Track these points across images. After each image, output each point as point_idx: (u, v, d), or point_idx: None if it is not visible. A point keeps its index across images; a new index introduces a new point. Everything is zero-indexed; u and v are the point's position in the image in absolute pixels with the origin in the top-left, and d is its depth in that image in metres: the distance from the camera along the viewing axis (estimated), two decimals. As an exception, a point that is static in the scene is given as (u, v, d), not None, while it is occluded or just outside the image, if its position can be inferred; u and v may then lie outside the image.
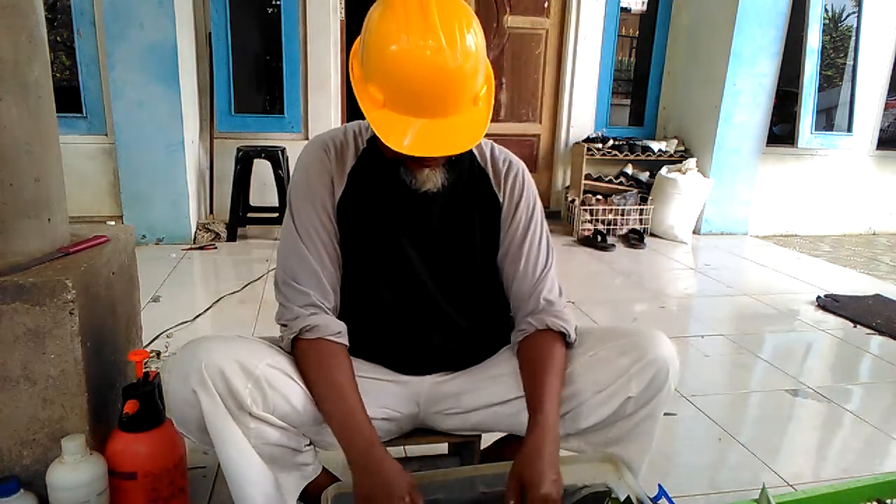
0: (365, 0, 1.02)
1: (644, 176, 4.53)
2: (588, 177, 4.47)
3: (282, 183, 3.75)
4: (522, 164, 1.22)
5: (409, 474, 0.96)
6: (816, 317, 2.91)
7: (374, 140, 1.12)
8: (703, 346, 2.48)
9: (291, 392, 1.03)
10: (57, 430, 1.19)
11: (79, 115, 3.74)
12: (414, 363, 1.19)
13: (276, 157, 3.72)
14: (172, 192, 3.62)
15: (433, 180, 1.06)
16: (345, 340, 1.09)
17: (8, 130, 1.15)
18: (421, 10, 0.89)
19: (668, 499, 1.11)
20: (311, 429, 1.07)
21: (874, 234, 5.09)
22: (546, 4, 4.49)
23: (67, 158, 1.40)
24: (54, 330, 1.15)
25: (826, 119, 4.81)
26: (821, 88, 4.47)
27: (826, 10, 4.49)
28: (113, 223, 3.65)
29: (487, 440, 1.34)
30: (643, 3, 4.80)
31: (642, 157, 4.45)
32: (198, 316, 2.55)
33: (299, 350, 1.06)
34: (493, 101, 1.02)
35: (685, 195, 4.25)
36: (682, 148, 4.55)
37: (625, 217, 4.31)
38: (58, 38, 3.78)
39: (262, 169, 3.81)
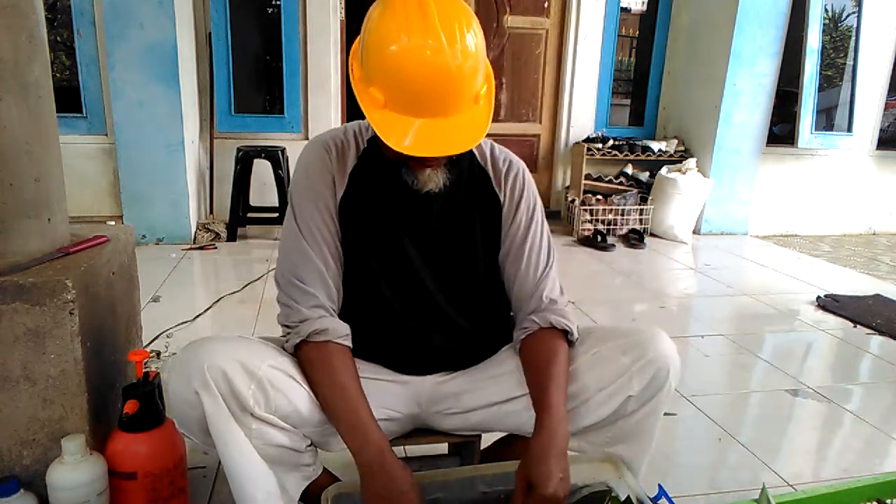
0: (365, 0, 1.02)
1: (644, 176, 4.53)
2: (588, 177, 4.47)
3: (282, 183, 3.75)
4: (522, 164, 1.22)
5: (413, 476, 0.96)
6: (816, 317, 2.91)
7: (374, 140, 1.12)
8: (703, 346, 2.48)
9: (294, 393, 1.03)
10: (57, 430, 1.19)
11: (79, 115, 3.74)
12: (415, 363, 1.19)
13: (276, 157, 3.72)
14: (172, 192, 3.62)
15: (435, 180, 1.06)
16: (350, 343, 1.09)
17: (8, 130, 1.15)
18: (420, 9, 0.89)
19: (668, 499, 1.10)
20: (313, 430, 1.07)
21: (874, 234, 5.09)
22: (546, 4, 4.49)
23: (67, 158, 1.40)
24: (54, 330, 1.15)
25: (826, 119, 4.81)
26: (821, 88, 4.47)
27: (826, 10, 4.49)
28: (113, 223, 3.65)
29: (487, 440, 1.34)
30: (643, 3, 4.80)
31: (642, 157, 4.45)
32: (198, 316, 2.55)
33: (305, 353, 1.06)
34: (493, 101, 1.02)
35: (685, 195, 4.25)
36: (682, 148, 4.55)
37: (625, 217, 4.31)
38: (58, 38, 3.78)
39: (262, 169, 3.81)
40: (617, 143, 4.44)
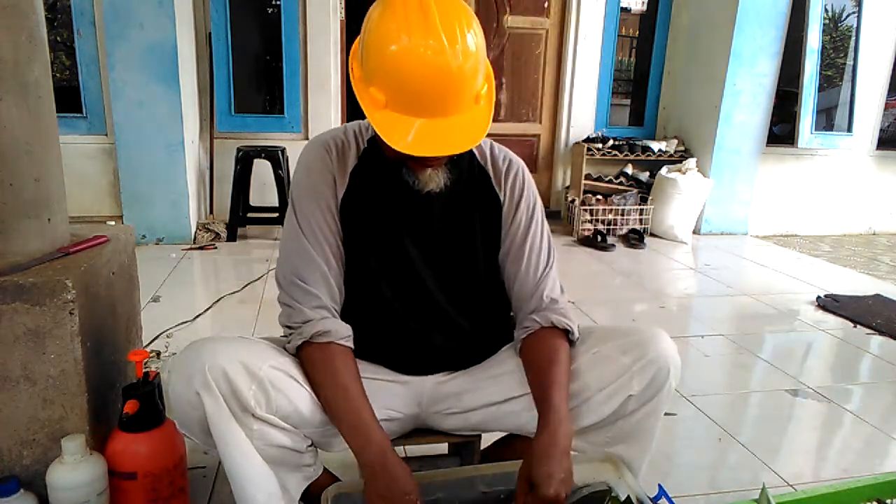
0: (365, 0, 1.02)
1: (644, 176, 4.53)
2: (588, 177, 4.47)
3: (282, 183, 3.75)
4: (522, 163, 1.22)
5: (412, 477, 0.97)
6: (816, 317, 2.91)
7: (375, 140, 1.12)
8: (703, 346, 2.48)
9: (295, 394, 1.03)
10: (57, 430, 1.19)
11: (79, 115, 3.74)
12: (416, 363, 1.19)
13: (276, 157, 3.72)
14: (172, 192, 3.62)
15: (436, 180, 1.06)
16: (352, 344, 1.08)
17: (8, 130, 1.15)
18: (421, 9, 0.89)
19: (668, 499, 1.10)
20: (314, 430, 1.07)
21: (874, 234, 5.09)
22: (546, 4, 4.49)
23: (67, 158, 1.40)
24: (54, 330, 1.15)
25: (826, 119, 4.81)
26: (821, 88, 4.47)
27: (826, 10, 4.49)
28: (113, 223, 3.65)
29: (487, 440, 1.34)
30: (643, 3, 4.80)
31: (642, 157, 4.45)
32: (198, 316, 2.55)
33: (307, 354, 1.05)
34: (494, 100, 1.02)
35: (685, 195, 4.25)
36: (682, 148, 4.55)
37: (625, 217, 4.31)
38: (58, 38, 3.78)
39: (262, 169, 3.81)
40: (617, 143, 4.45)
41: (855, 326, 2.78)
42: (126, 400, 1.18)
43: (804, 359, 2.50)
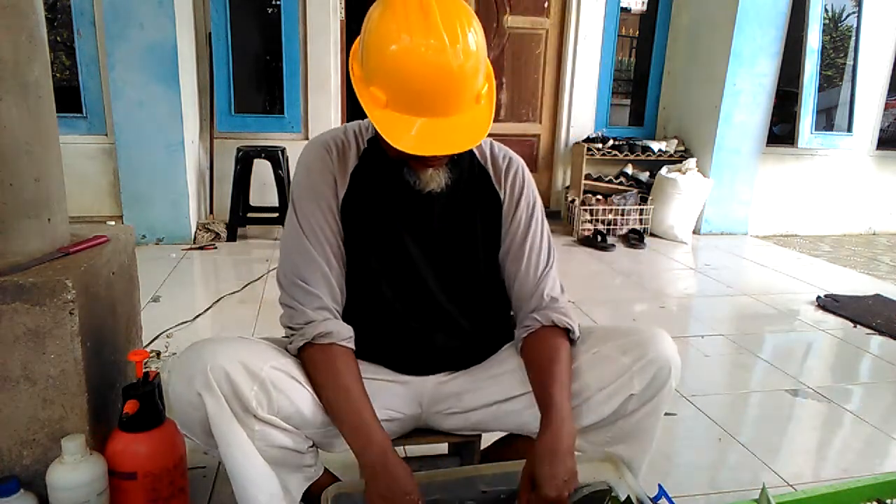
0: (365, 0, 1.02)
1: (644, 176, 4.53)
2: (588, 177, 4.47)
3: (282, 183, 3.75)
4: (521, 161, 1.22)
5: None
6: (816, 317, 2.91)
7: (375, 140, 1.12)
8: (703, 346, 2.48)
9: (296, 394, 1.03)
10: (57, 430, 1.19)
11: (79, 115, 3.74)
12: (417, 364, 1.19)
13: (276, 157, 3.72)
14: (172, 192, 3.62)
15: (437, 180, 1.06)
16: (353, 345, 1.08)
17: (8, 130, 1.15)
18: (421, 9, 0.89)
19: (668, 499, 1.10)
20: (315, 431, 1.07)
21: (874, 234, 5.09)
22: (546, 4, 4.49)
23: (67, 158, 1.40)
24: (54, 330, 1.15)
25: (826, 119, 4.81)
26: (821, 88, 4.47)
27: (826, 10, 4.49)
28: (113, 223, 3.65)
29: (487, 440, 1.34)
30: (643, 3, 4.80)
31: (642, 157, 4.45)
32: (198, 316, 2.55)
33: (309, 355, 1.05)
34: (494, 100, 1.02)
35: (685, 195, 4.25)
36: (682, 148, 4.55)
37: (625, 217, 4.31)
38: (58, 38, 3.78)
39: (262, 169, 3.81)
40: (617, 143, 4.45)
41: (855, 326, 2.78)
42: (126, 400, 1.18)
43: (804, 359, 2.50)
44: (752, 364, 2.36)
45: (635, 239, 4.20)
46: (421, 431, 1.25)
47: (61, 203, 1.30)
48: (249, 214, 3.91)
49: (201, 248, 3.63)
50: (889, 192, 5.04)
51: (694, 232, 4.49)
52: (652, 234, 4.39)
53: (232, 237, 3.80)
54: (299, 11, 3.96)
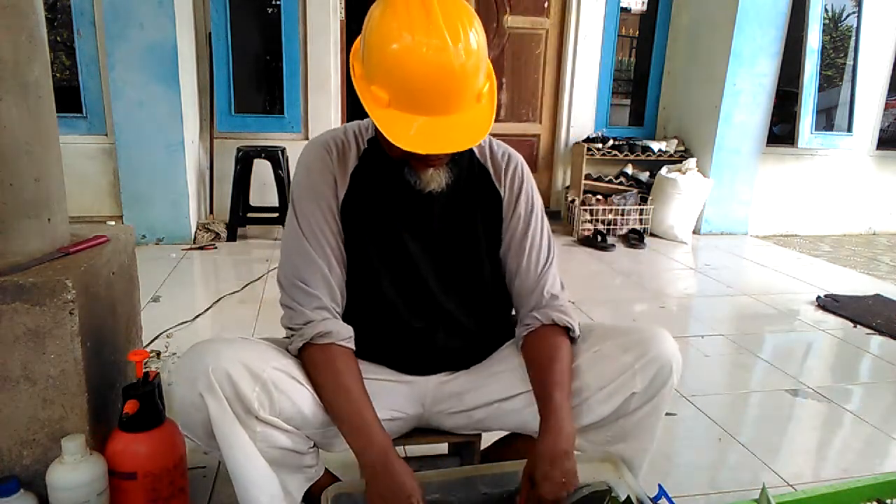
0: (365, 0, 1.02)
1: (644, 176, 4.53)
2: (588, 177, 4.47)
3: (282, 183, 3.75)
4: (520, 157, 1.23)
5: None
6: (816, 317, 2.91)
7: (375, 140, 1.12)
8: (703, 346, 2.48)
9: (298, 395, 1.03)
10: (57, 430, 1.19)
11: (79, 115, 3.74)
12: (419, 363, 1.19)
13: (276, 157, 3.72)
14: (172, 192, 3.62)
15: (437, 180, 1.06)
16: (353, 345, 1.08)
17: (8, 130, 1.15)
18: (423, 8, 0.89)
19: (668, 499, 1.11)
20: (316, 431, 1.07)
21: (874, 234, 5.09)
22: (546, 4, 4.49)
23: (67, 158, 1.40)
24: (54, 330, 1.15)
25: (826, 119, 4.81)
26: (821, 88, 4.47)
27: (826, 10, 4.49)
28: (113, 223, 3.65)
29: (487, 440, 1.34)
30: (643, 3, 4.80)
31: (642, 157, 4.45)
32: (198, 316, 2.55)
33: (309, 355, 1.05)
34: (495, 98, 1.02)
35: (685, 195, 4.25)
36: (682, 148, 4.55)
37: (625, 217, 4.31)
38: (58, 38, 3.78)
39: (262, 169, 3.81)
40: (617, 143, 4.45)
41: (855, 326, 2.78)
42: (126, 400, 1.18)
43: (804, 359, 2.50)
44: (752, 364, 2.36)
45: (635, 239, 4.20)
46: (421, 431, 1.25)
47: (61, 203, 1.30)
48: (249, 214, 3.91)
49: (201, 248, 3.63)
50: (889, 192, 5.04)
51: (694, 232, 4.49)
52: (652, 234, 4.39)
53: (232, 237, 3.80)
54: (299, 11, 3.96)
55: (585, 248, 4.08)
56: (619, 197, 4.35)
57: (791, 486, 1.57)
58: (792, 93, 4.52)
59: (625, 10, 4.72)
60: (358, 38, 1.00)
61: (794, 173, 4.69)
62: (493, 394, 1.18)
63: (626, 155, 4.43)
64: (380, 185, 1.11)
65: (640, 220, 4.36)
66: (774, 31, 4.23)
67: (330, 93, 4.11)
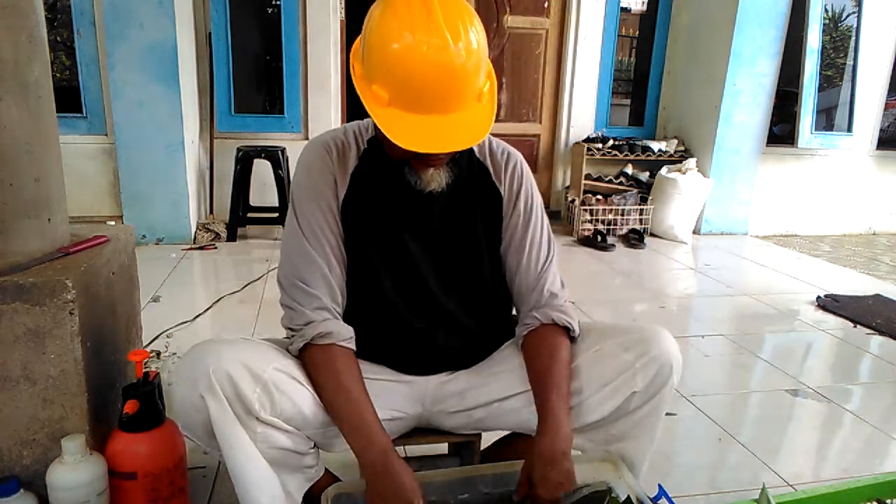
0: (365, 0, 1.02)
1: (644, 176, 4.53)
2: (588, 177, 4.47)
3: (282, 183, 3.75)
4: (520, 155, 1.23)
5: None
6: (816, 317, 2.91)
7: (375, 140, 1.12)
8: (703, 346, 2.48)
9: (298, 396, 1.03)
10: (57, 430, 1.19)
11: (79, 115, 3.74)
12: (419, 363, 1.19)
13: (276, 157, 3.72)
14: (172, 192, 3.62)
15: (438, 180, 1.06)
16: (353, 345, 1.08)
17: (8, 130, 1.15)
18: (424, 7, 0.89)
19: (668, 499, 1.11)
20: (317, 432, 1.07)
21: (874, 234, 5.09)
22: (546, 4, 4.49)
23: (67, 158, 1.40)
24: (54, 330, 1.15)
25: (826, 119, 4.81)
26: (821, 88, 4.47)
27: (826, 10, 4.49)
28: (113, 223, 3.65)
29: (487, 440, 1.34)
30: (643, 3, 4.80)
31: (642, 157, 4.45)
32: (198, 316, 2.55)
33: (309, 356, 1.05)
34: (496, 98, 1.02)
35: (685, 195, 4.25)
36: (682, 148, 4.55)
37: (625, 217, 4.31)
38: (58, 38, 3.78)
39: (262, 169, 3.81)
40: (617, 143, 4.45)
41: (855, 326, 2.78)
42: (126, 400, 1.18)
43: (804, 359, 2.50)
44: (752, 364, 2.36)
45: (635, 239, 4.20)
46: (421, 431, 1.25)
47: (61, 203, 1.30)
48: (249, 214, 3.91)
49: (201, 248, 3.63)
50: (889, 192, 5.04)
51: (694, 232, 4.49)
52: (652, 234, 4.39)
53: (232, 237, 3.80)
54: (299, 11, 3.96)
55: (585, 248, 4.08)
56: (619, 197, 4.35)
57: (791, 486, 1.58)
58: (792, 93, 4.52)
59: (625, 10, 4.72)
60: (358, 38, 0.99)
61: (794, 173, 4.69)
62: (493, 393, 1.18)
63: (626, 155, 4.43)
64: (380, 185, 1.11)
65: (640, 220, 4.36)
66: (774, 31, 4.23)
67: (330, 93, 4.11)
